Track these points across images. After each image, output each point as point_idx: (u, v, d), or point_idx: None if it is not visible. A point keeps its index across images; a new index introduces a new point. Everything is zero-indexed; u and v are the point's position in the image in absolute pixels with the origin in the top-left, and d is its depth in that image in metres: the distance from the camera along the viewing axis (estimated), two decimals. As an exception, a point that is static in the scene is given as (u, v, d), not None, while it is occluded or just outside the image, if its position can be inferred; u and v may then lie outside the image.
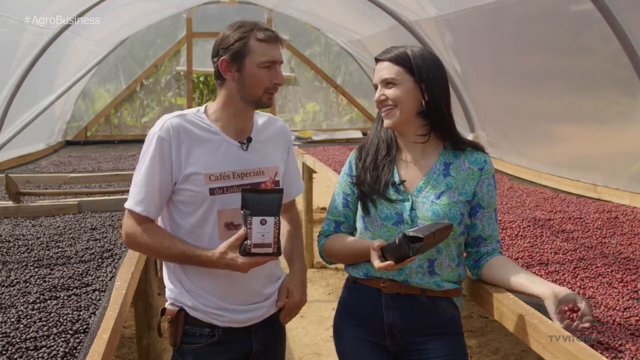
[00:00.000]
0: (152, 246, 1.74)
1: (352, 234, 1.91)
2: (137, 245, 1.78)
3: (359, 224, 1.86)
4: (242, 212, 1.63)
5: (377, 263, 1.62)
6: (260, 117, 1.89)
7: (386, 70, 1.76)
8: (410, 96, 1.74)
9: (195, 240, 1.75)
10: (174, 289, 1.80)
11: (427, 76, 1.74)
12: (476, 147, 1.84)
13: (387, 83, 1.76)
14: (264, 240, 1.60)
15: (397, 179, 1.80)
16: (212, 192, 1.72)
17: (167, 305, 1.82)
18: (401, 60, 1.75)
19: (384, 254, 1.62)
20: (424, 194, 1.78)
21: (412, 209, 1.77)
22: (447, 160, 1.80)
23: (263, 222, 1.60)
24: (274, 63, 1.73)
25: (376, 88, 1.80)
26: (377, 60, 1.80)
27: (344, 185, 1.91)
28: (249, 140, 1.81)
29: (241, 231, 1.65)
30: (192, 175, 1.71)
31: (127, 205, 1.75)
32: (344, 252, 1.85)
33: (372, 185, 1.80)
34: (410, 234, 1.53)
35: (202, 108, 1.82)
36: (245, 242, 1.63)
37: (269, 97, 1.77)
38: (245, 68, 1.72)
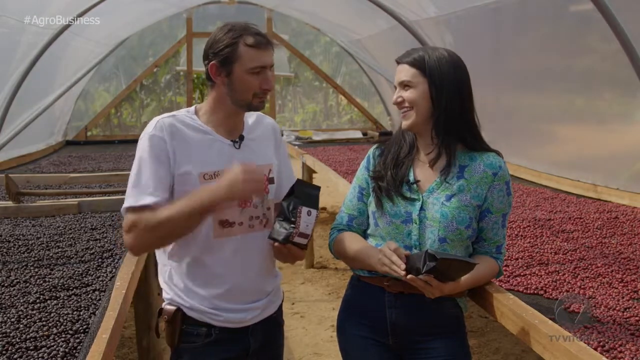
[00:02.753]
0: (159, 222, 1.60)
1: (365, 231, 1.92)
2: (143, 232, 1.62)
3: (371, 220, 1.87)
4: (284, 202, 1.73)
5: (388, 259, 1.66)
6: (250, 116, 1.89)
7: (404, 72, 1.78)
8: (425, 99, 1.75)
9: (191, 240, 1.74)
10: (170, 289, 1.80)
11: (439, 81, 1.73)
12: (494, 151, 1.83)
13: (405, 85, 1.78)
14: (306, 230, 1.70)
15: (411, 178, 1.81)
16: None
17: (164, 305, 1.81)
18: (417, 63, 1.75)
19: (407, 262, 1.65)
20: (435, 195, 1.78)
21: (421, 209, 1.77)
22: (463, 162, 1.79)
23: (309, 214, 1.70)
24: (263, 68, 1.72)
25: (396, 89, 1.81)
26: (397, 62, 1.82)
27: (361, 178, 1.92)
28: (241, 138, 1.81)
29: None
30: (186, 175, 1.70)
31: (127, 204, 1.65)
32: (352, 258, 1.86)
33: (390, 182, 1.81)
34: (430, 251, 1.58)
35: (192, 109, 1.81)
36: (289, 230, 1.70)
37: (260, 101, 1.76)
38: (234, 73, 1.71)
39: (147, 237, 1.65)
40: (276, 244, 1.73)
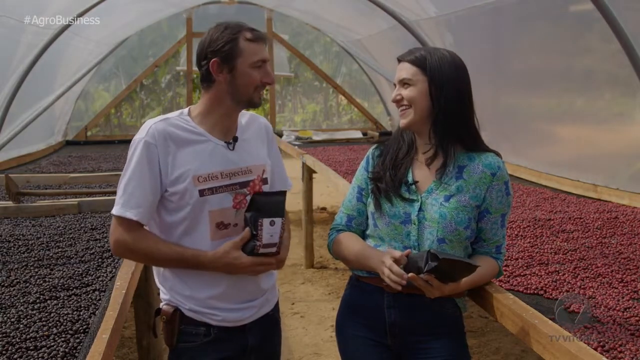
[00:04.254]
0: (147, 252, 1.73)
1: (364, 232, 1.91)
2: (131, 252, 1.75)
3: (370, 221, 1.87)
4: (247, 214, 1.73)
5: (387, 266, 1.66)
6: (243, 116, 1.90)
7: (404, 70, 1.78)
8: (424, 97, 1.75)
9: (188, 243, 1.75)
10: (167, 290, 1.81)
11: (439, 80, 1.73)
12: (493, 151, 1.83)
13: (404, 83, 1.77)
14: (271, 240, 1.70)
15: (410, 179, 1.81)
16: (202, 193, 1.72)
17: (162, 305, 1.82)
18: (419, 62, 1.76)
19: (408, 261, 1.65)
20: (434, 195, 1.78)
21: (420, 209, 1.77)
22: (461, 163, 1.79)
23: (272, 224, 1.70)
24: (264, 62, 1.76)
25: (395, 87, 1.81)
26: (399, 60, 1.82)
27: (360, 179, 1.92)
28: (235, 139, 1.81)
29: (245, 232, 1.72)
30: (181, 178, 1.71)
31: (115, 212, 1.70)
32: (351, 259, 1.86)
33: (389, 183, 1.81)
34: (432, 251, 1.58)
35: (184, 111, 1.81)
36: (252, 243, 1.71)
37: (259, 97, 1.79)
38: (237, 69, 1.73)
39: (129, 255, 1.82)
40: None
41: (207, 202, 1.72)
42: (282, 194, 1.76)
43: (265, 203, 1.73)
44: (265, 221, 1.69)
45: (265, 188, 1.85)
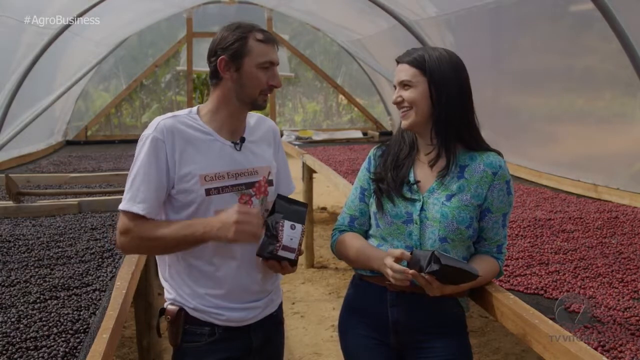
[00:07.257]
0: (149, 236, 1.67)
1: (366, 232, 1.92)
2: (133, 239, 1.69)
3: (372, 221, 1.88)
4: (268, 218, 1.75)
5: (389, 261, 1.67)
6: (251, 118, 1.90)
7: (404, 72, 1.78)
8: (425, 99, 1.75)
9: None
10: (172, 290, 1.81)
11: (439, 80, 1.74)
12: (494, 151, 1.83)
13: (404, 85, 1.78)
14: (291, 244, 1.72)
15: (412, 179, 1.81)
16: (208, 192, 1.72)
17: (166, 305, 1.82)
18: (417, 63, 1.76)
19: (412, 258, 1.66)
20: (435, 195, 1.78)
21: (422, 209, 1.77)
22: (463, 162, 1.80)
23: (293, 227, 1.73)
24: (272, 64, 1.76)
25: (395, 89, 1.82)
26: (397, 62, 1.82)
27: (362, 179, 1.92)
28: (242, 140, 1.82)
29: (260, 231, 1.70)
30: (187, 177, 1.71)
31: (122, 207, 1.69)
32: (353, 260, 1.87)
33: (390, 183, 1.81)
34: (436, 254, 1.59)
35: (194, 109, 1.81)
36: (272, 245, 1.72)
37: (264, 99, 1.79)
38: (243, 68, 1.73)
39: (138, 246, 1.75)
40: (261, 259, 1.76)
41: (212, 201, 1.73)
42: (305, 205, 1.81)
43: (286, 208, 1.76)
44: (287, 223, 1.72)
45: (271, 189, 1.85)
